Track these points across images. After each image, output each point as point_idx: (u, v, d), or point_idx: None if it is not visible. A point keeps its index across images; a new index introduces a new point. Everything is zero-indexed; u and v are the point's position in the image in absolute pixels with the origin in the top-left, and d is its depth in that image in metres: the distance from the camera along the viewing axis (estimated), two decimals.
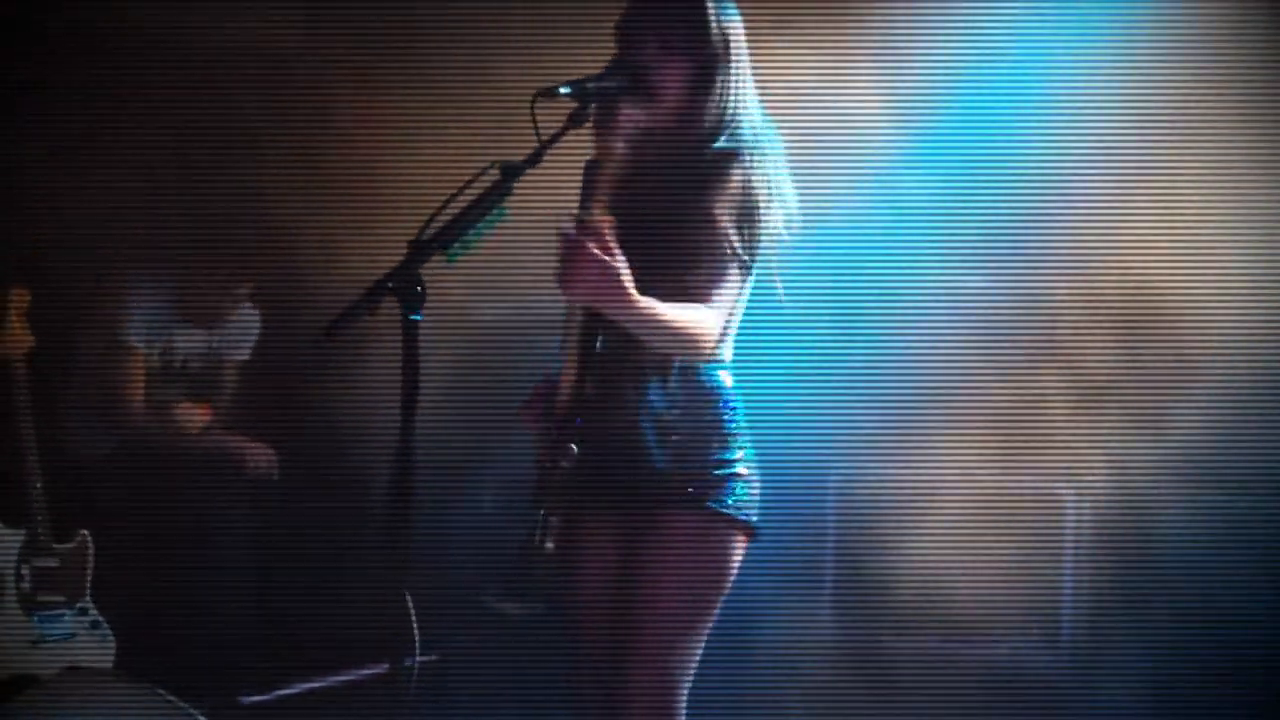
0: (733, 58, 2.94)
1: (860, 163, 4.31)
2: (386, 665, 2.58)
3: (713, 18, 2.93)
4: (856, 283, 4.54)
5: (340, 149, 5.03)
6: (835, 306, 4.52)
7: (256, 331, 4.97)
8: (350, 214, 4.93)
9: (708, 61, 2.91)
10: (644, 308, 2.70)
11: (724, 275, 2.85)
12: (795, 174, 3.01)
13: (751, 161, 2.88)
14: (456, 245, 2.62)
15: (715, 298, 2.84)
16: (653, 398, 2.92)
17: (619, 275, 2.65)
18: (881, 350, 4.61)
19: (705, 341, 2.84)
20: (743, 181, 2.86)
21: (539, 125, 2.74)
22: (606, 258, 2.64)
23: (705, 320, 2.82)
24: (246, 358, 4.97)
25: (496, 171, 2.70)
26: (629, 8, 2.96)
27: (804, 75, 4.06)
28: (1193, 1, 4.32)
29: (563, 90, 2.75)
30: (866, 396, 4.66)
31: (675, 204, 2.87)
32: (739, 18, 2.99)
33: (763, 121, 2.98)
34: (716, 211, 2.84)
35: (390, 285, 2.53)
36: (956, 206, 4.46)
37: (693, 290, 2.82)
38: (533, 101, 2.71)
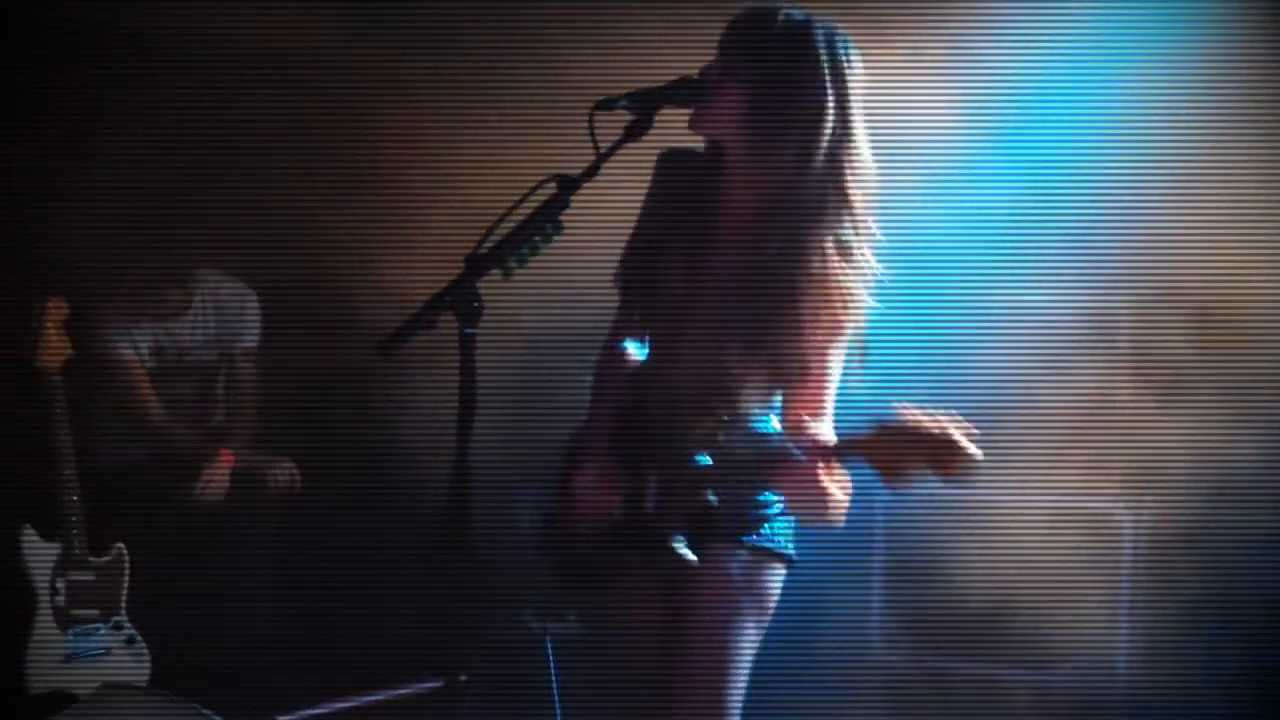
0: (801, 93, 2.86)
1: (917, 178, 4.34)
2: (442, 682, 2.62)
3: (788, 46, 2.86)
4: (905, 299, 4.56)
5: (375, 157, 5.10)
6: (884, 323, 4.54)
7: (254, 315, 4.98)
8: (385, 225, 4.99)
9: (767, 90, 2.87)
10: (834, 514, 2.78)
11: (830, 388, 2.91)
12: None
13: (835, 250, 2.87)
14: (513, 260, 2.67)
15: (827, 408, 2.89)
16: (706, 440, 2.96)
17: (829, 503, 2.73)
18: (931, 367, 4.62)
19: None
20: (831, 281, 2.86)
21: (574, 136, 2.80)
22: (834, 489, 2.72)
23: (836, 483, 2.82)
24: (254, 344, 4.98)
25: (553, 185, 2.74)
26: (730, 25, 2.94)
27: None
28: (1256, 5, 4.35)
29: (621, 103, 2.80)
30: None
31: (757, 275, 2.88)
32: (828, 50, 2.88)
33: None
34: (811, 321, 2.86)
35: (448, 300, 2.57)
36: (1012, 223, 4.48)
37: (809, 403, 2.87)
38: (591, 113, 2.76)
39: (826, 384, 2.91)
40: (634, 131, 2.82)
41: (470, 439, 2.62)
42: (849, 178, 2.89)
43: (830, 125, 2.87)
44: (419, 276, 4.96)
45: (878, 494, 4.85)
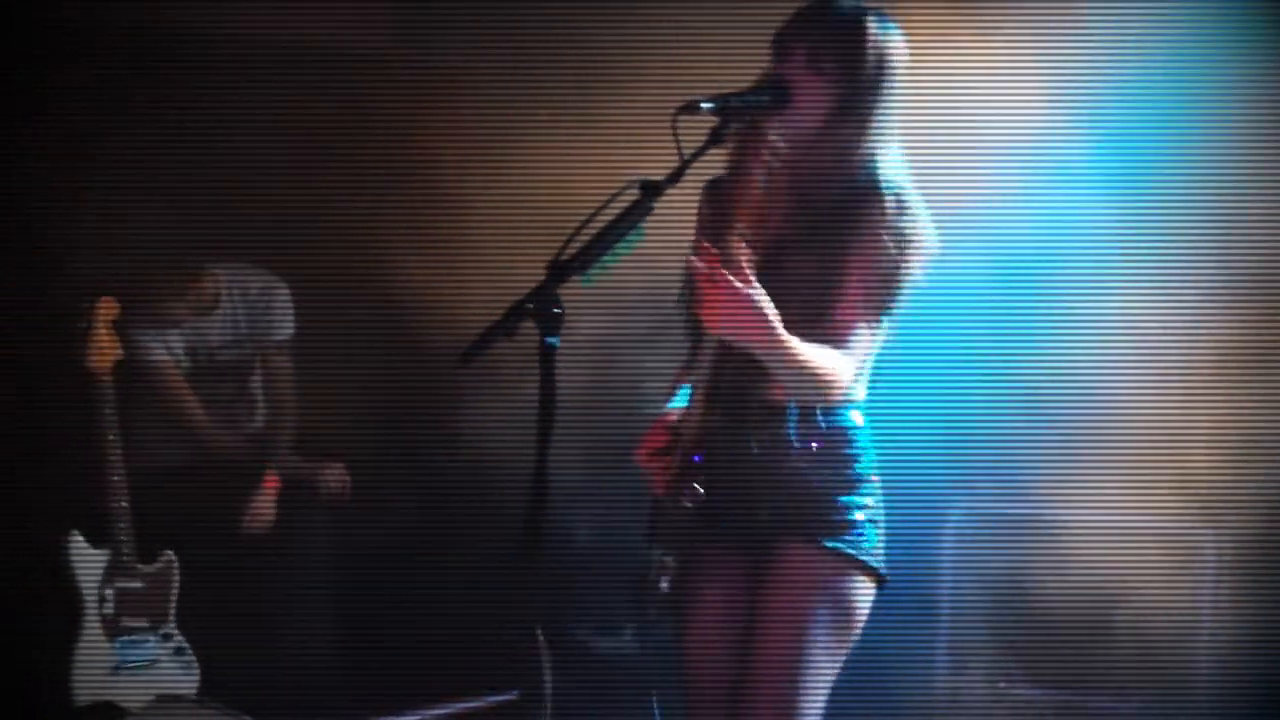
0: (885, 86, 2.99)
1: (991, 182, 4.36)
2: (516, 693, 2.66)
3: (871, 40, 2.98)
4: (980, 307, 4.58)
5: (427, 159, 5.15)
6: (958, 331, 4.56)
7: (285, 306, 4.97)
8: (422, 224, 5.04)
9: (857, 85, 2.97)
10: (786, 343, 2.78)
11: (860, 320, 2.95)
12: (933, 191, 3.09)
13: (895, 203, 2.95)
14: (596, 267, 2.71)
15: (851, 343, 2.93)
16: (780, 436, 3.01)
17: (761, 308, 2.72)
18: (1006, 379, 4.63)
19: (837, 387, 2.94)
20: (884, 225, 2.94)
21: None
22: (747, 290, 2.71)
23: (840, 366, 2.91)
24: (287, 336, 4.97)
25: (636, 190, 2.78)
26: (788, 19, 3.03)
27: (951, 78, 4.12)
28: None
29: (705, 105, 2.84)
30: (989, 429, 4.69)
31: (812, 241, 2.96)
32: (899, 41, 3.03)
33: (900, 158, 3.05)
34: (855, 256, 2.94)
35: (530, 307, 2.61)
36: (1093, 228, 4.49)
37: (829, 334, 2.91)
38: (674, 117, 2.79)
39: (848, 337, 2.94)
40: (718, 135, 2.87)
41: (549, 450, 2.65)
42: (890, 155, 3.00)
43: (896, 109, 3.00)
44: (459, 277, 5.05)
45: (948, 512, 4.86)
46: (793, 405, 3.00)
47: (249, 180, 4.93)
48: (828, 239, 2.95)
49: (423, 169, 5.13)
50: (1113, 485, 4.62)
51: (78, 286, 4.45)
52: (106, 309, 4.34)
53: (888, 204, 2.95)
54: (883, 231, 2.93)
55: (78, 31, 4.91)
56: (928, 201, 3.05)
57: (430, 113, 5.11)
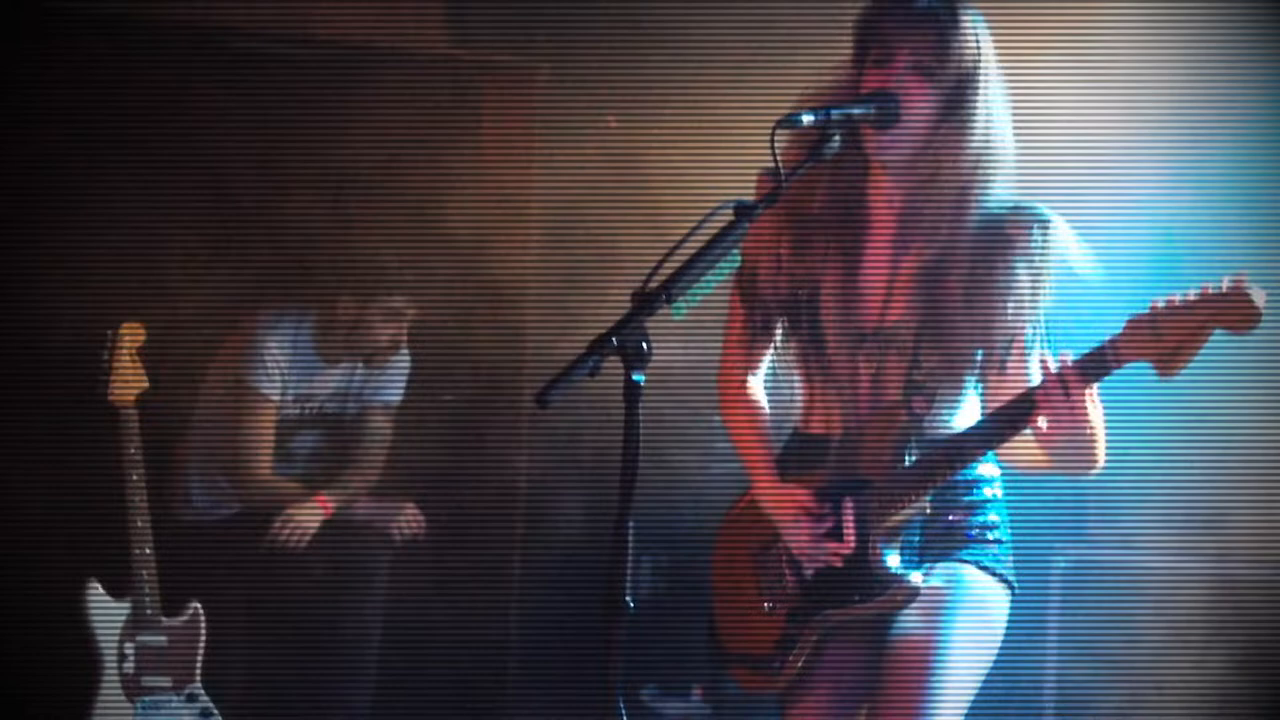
0: (982, 83, 2.98)
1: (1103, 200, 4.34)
2: None
3: (970, 34, 2.98)
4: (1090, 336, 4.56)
5: (487, 167, 5.15)
6: None
7: (403, 368, 4.97)
8: (500, 245, 5.03)
9: (960, 85, 2.97)
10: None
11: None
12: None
13: (1041, 233, 2.99)
14: (686, 296, 2.69)
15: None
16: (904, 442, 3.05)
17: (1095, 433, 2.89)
18: (1117, 417, 4.60)
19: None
20: (1036, 250, 2.98)
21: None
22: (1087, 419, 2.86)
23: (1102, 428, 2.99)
24: (396, 400, 4.97)
25: (729, 212, 2.77)
26: (871, 13, 3.02)
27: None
28: None
29: (806, 119, 2.83)
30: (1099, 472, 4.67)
31: (950, 271, 2.99)
32: (987, 32, 3.03)
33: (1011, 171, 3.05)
34: (1015, 294, 2.98)
35: (615, 343, 2.59)
36: (1175, 254, 4.48)
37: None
38: (773, 131, 2.79)
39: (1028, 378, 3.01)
40: (819, 152, 2.86)
41: (633, 498, 2.63)
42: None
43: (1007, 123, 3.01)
44: (517, 301, 5.05)
45: (1054, 558, 4.85)
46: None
47: (307, 199, 4.94)
48: (969, 269, 2.98)
49: (481, 176, 5.14)
50: (1227, 534, 4.63)
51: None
52: (132, 335, 4.31)
53: (1036, 225, 2.99)
54: (1031, 260, 2.98)
55: (132, 36, 4.95)
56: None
57: (490, 116, 5.11)
